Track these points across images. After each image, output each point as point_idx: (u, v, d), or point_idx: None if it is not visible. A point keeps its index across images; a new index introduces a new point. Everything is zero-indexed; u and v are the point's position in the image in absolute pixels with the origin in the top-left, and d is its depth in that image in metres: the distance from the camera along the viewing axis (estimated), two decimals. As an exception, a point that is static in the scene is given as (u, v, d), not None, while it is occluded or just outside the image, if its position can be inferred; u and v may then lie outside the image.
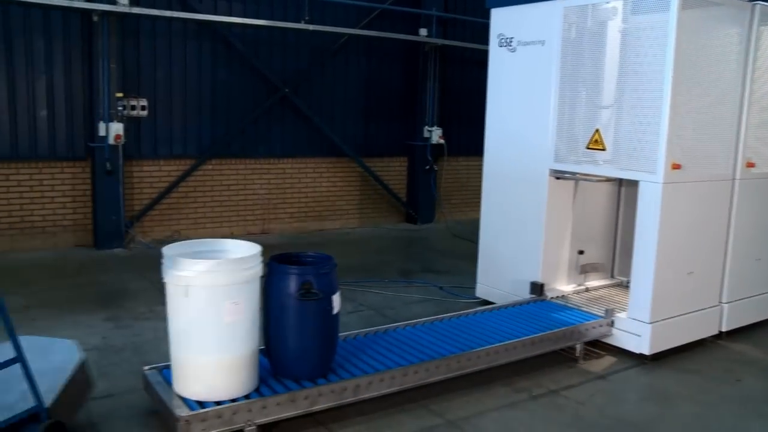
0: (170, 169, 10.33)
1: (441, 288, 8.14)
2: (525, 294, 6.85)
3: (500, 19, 7.17)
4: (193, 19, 10.00)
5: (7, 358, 3.74)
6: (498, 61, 7.20)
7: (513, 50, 6.99)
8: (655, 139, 5.67)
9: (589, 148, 6.29)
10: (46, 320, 6.57)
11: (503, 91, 7.18)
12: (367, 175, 12.13)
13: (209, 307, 4.07)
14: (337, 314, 4.60)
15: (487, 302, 7.23)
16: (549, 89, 6.58)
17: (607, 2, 6.10)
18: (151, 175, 10.22)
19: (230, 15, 10.33)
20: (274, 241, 10.39)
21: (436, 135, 12.27)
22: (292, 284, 4.38)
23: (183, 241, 4.50)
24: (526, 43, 6.84)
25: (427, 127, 12.29)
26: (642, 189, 5.86)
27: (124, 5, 9.21)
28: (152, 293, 7.56)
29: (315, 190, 11.69)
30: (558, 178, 6.70)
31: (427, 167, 12.41)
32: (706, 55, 5.86)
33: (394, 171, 12.60)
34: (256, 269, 4.24)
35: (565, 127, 6.51)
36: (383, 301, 7.57)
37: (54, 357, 4.26)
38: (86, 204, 9.80)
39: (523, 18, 6.88)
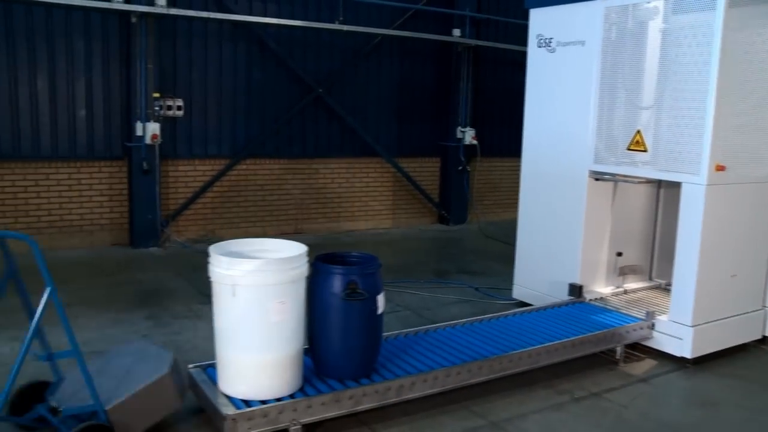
0: (205, 168, 10.40)
1: (477, 289, 8.12)
2: (562, 295, 6.81)
3: (539, 20, 7.12)
4: (229, 20, 10.06)
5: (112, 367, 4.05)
6: (537, 61, 7.16)
7: (552, 51, 6.95)
8: (698, 140, 5.61)
9: (629, 149, 6.24)
10: (88, 318, 6.64)
11: (542, 92, 7.14)
12: (400, 175, 12.13)
13: (256, 306, 4.09)
14: (382, 314, 4.60)
15: (523, 303, 7.21)
16: (588, 90, 6.54)
17: (648, 2, 6.06)
18: (186, 175, 10.30)
19: (265, 15, 10.38)
20: (308, 242, 10.29)
21: (469, 136, 12.22)
22: (338, 284, 4.39)
23: (228, 240, 4.52)
24: (566, 44, 6.80)
25: (460, 128, 12.26)
26: (685, 191, 5.80)
27: (162, 6, 9.29)
28: (189, 292, 7.64)
29: (348, 190, 11.72)
30: (597, 180, 6.65)
31: (460, 168, 12.38)
32: (752, 54, 5.77)
33: (426, 172, 12.58)
34: (303, 269, 4.25)
35: (604, 128, 6.47)
36: (420, 301, 7.56)
37: (146, 365, 4.27)
38: (123, 203, 9.90)
39: (562, 18, 6.83)
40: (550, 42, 6.97)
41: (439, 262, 9.80)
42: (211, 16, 9.81)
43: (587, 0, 6.55)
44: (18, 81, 8.97)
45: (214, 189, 10.51)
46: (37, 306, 3.85)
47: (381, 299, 4.55)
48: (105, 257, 9.28)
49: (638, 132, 6.15)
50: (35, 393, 4.24)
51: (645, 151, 6.10)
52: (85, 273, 8.42)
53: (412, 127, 12.25)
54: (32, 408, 4.15)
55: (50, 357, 4.02)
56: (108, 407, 3.87)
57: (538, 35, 7.11)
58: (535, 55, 7.18)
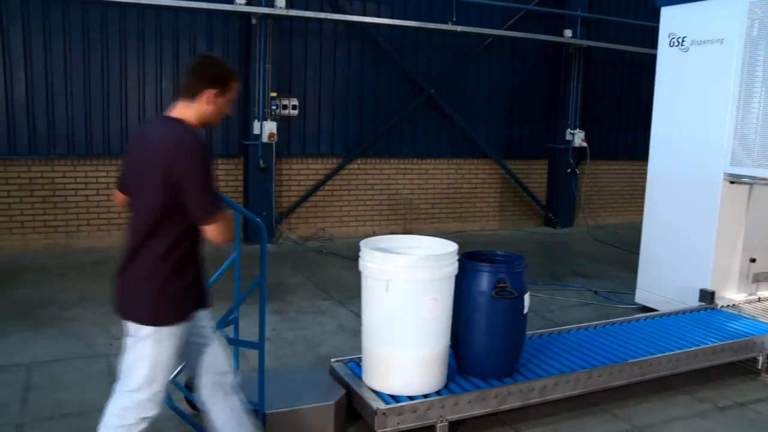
0: (318, 167, 10.57)
1: (596, 293, 7.97)
2: (689, 301, 6.62)
3: (671, 18, 6.94)
4: (343, 21, 10.19)
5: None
6: (668, 61, 6.97)
7: (685, 50, 6.76)
8: None
9: (772, 151, 6.02)
10: (217, 310, 6.77)
11: (673, 92, 6.94)
12: (508, 176, 12.03)
13: (409, 302, 4.10)
14: (527, 314, 4.57)
15: (647, 308, 7.04)
16: (726, 90, 6.33)
17: (795, -4, 5.83)
18: (299, 173, 10.49)
19: (378, 16, 10.48)
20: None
21: (578, 138, 12.01)
22: (486, 282, 4.37)
23: (376, 236, 4.57)
24: (701, 42, 6.60)
25: (569, 130, 12.08)
26: (835, 195, 5.56)
27: (281, 8, 9.49)
28: (310, 288, 7.76)
29: (456, 191, 11.69)
30: (732, 183, 6.44)
31: (569, 170, 12.18)
32: None
33: (534, 174, 12.45)
34: (455, 266, 4.25)
35: (743, 129, 6.25)
36: (540, 303, 7.46)
37: (317, 390, 4.35)
38: (238, 199, 10.12)
39: (698, 16, 6.64)
40: (683, 41, 6.78)
41: (552, 264, 9.65)
42: (327, 17, 9.97)
43: (726, -4, 6.35)
44: (146, 82, 9.32)
45: (326, 187, 10.66)
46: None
47: (527, 298, 4.51)
48: (222, 252, 9.38)
49: (783, 133, 5.92)
50: None
51: (790, 153, 5.87)
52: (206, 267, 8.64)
53: (521, 128, 12.15)
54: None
55: (237, 343, 4.28)
56: (268, 411, 3.98)
57: (670, 34, 6.92)
58: (666, 54, 7.00)
